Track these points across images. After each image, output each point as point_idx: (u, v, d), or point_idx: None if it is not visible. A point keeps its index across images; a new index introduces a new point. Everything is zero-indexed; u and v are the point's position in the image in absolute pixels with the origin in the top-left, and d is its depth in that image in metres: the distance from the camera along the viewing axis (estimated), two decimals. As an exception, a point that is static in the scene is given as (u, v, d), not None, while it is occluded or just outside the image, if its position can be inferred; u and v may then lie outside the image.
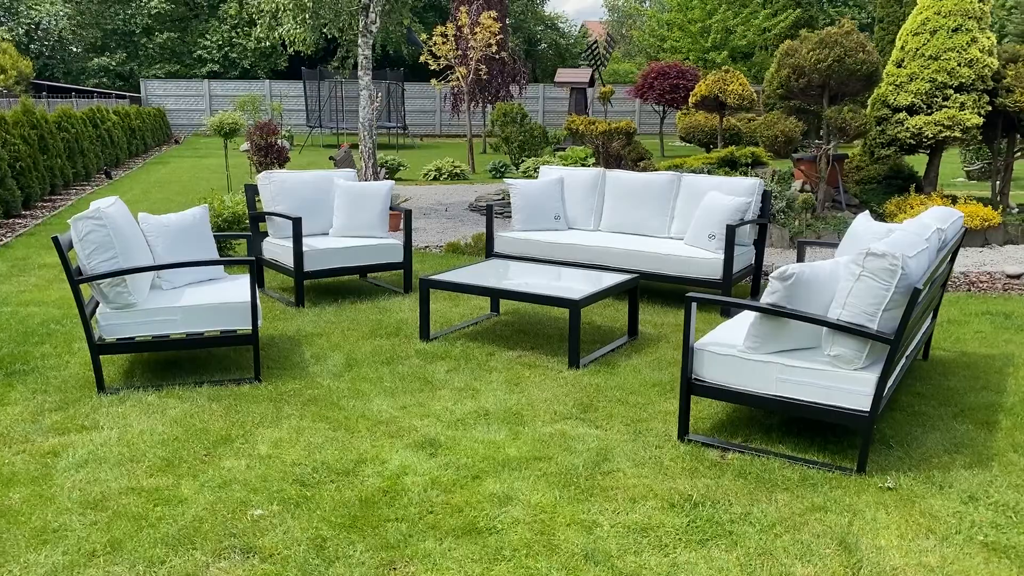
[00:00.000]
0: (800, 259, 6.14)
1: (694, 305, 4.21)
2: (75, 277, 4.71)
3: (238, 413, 4.59)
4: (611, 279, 5.90)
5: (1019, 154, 10.31)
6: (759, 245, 7.26)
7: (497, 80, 23.03)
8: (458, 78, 19.65)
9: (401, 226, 6.73)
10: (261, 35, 18.45)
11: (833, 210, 10.12)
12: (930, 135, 9.61)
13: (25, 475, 3.84)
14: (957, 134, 9.54)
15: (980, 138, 10.00)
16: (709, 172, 11.50)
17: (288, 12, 15.25)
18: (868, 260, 3.83)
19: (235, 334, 5.08)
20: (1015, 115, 9.64)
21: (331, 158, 13.21)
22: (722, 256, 6.71)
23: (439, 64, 19.62)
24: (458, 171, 17.06)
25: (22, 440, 4.22)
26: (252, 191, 7.38)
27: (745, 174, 12.65)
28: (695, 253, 6.82)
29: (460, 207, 12.89)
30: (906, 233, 4.22)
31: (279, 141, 18.69)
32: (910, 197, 9.85)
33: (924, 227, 4.61)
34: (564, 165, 17.82)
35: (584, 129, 11.17)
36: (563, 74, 22.86)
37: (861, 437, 3.91)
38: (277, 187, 7.26)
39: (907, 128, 9.74)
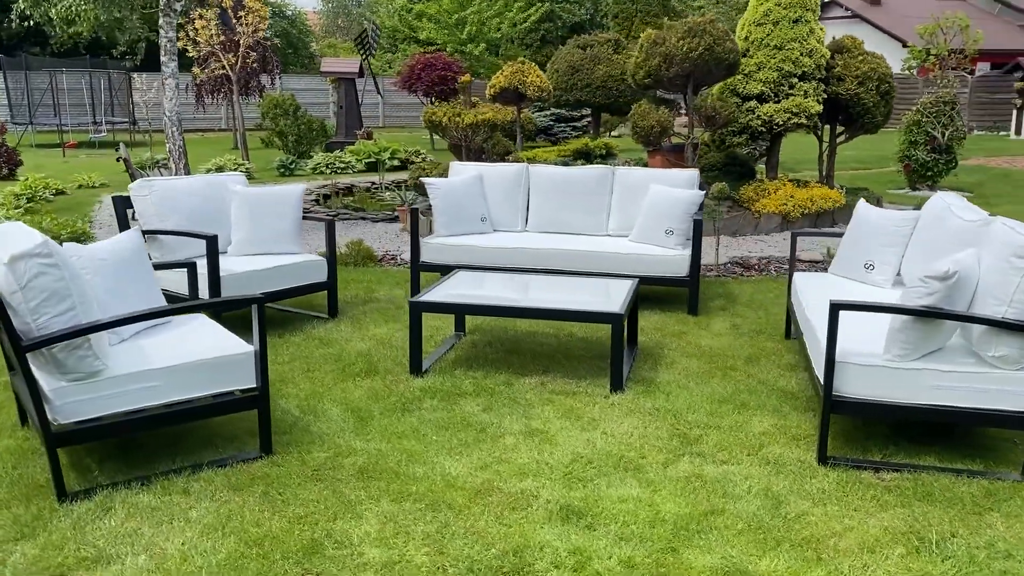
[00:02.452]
0: (792, 251, 5.93)
1: (840, 314, 3.76)
2: (21, 343, 3.25)
3: (287, 504, 3.43)
4: (621, 285, 5.28)
5: (842, 138, 11.06)
6: (697, 239, 6.99)
7: (247, 70, 21.13)
8: (224, 67, 17.71)
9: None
10: (26, 11, 15.15)
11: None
12: (780, 122, 9.98)
13: (67, 659, 2.50)
14: (803, 120, 9.99)
15: (819, 123, 10.58)
16: (567, 164, 11.19)
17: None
18: (1039, 253, 3.59)
19: (233, 397, 3.83)
20: (845, 102, 10.29)
21: (120, 159, 11.16)
22: (685, 252, 6.36)
23: (199, 51, 17.53)
24: (243, 170, 15.33)
25: (6, 598, 2.80)
26: (123, 204, 5.83)
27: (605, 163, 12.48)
28: (655, 251, 6.40)
29: (280, 211, 11.44)
30: (1002, 221, 4.05)
31: (5, 142, 15.76)
32: (765, 182, 10.18)
33: (976, 213, 4.52)
34: (358, 160, 16.74)
35: (448, 121, 10.32)
36: (329, 64, 21.47)
37: (1033, 441, 3.69)
38: (160, 198, 5.80)
39: (759, 116, 10.04)
